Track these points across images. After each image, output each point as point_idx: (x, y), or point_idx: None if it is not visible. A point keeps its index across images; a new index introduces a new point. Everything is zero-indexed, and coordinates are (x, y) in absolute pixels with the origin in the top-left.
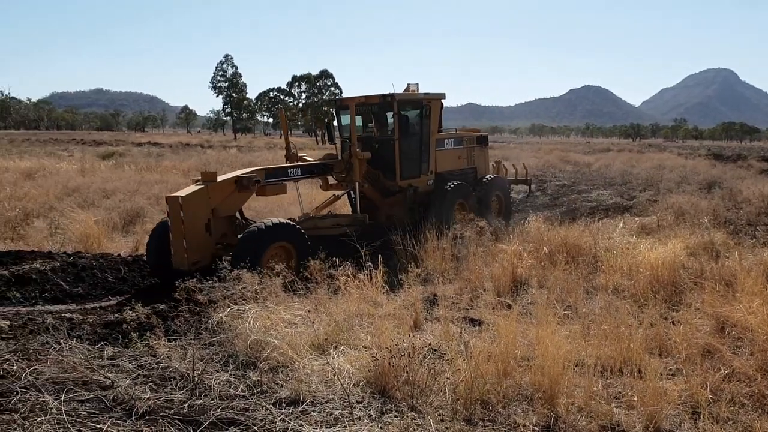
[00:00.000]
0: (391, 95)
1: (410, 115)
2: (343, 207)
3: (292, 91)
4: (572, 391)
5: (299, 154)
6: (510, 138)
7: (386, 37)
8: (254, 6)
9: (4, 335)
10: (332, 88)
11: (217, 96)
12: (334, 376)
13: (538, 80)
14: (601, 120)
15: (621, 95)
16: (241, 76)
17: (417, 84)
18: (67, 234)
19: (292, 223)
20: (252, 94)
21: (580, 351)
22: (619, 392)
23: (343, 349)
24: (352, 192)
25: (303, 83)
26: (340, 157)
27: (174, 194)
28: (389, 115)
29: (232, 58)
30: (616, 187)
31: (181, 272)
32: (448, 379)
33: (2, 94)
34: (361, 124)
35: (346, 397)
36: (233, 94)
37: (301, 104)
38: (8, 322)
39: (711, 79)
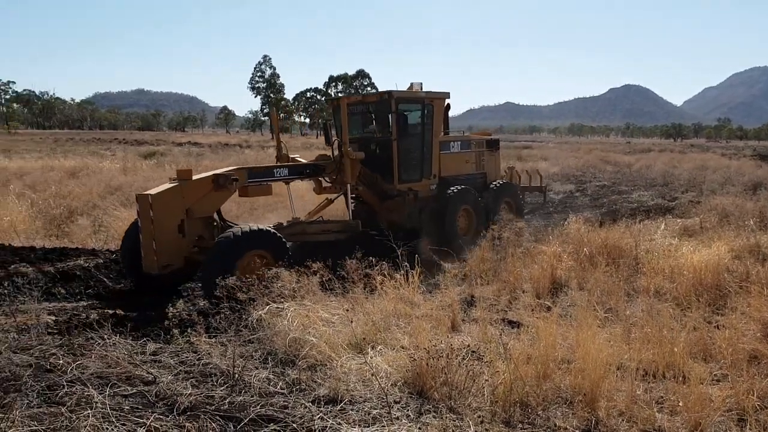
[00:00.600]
0: (388, 92)
1: (410, 115)
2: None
3: (329, 91)
4: (613, 395)
5: (291, 155)
6: (548, 137)
7: (421, 36)
8: (293, 5)
9: (50, 330)
10: (368, 88)
11: (255, 96)
12: (372, 375)
13: (577, 79)
14: (641, 120)
15: (662, 94)
16: (278, 76)
17: (420, 83)
18: (110, 232)
19: (270, 229)
20: (289, 94)
21: (621, 354)
22: (662, 397)
23: (380, 349)
24: (347, 195)
25: (339, 83)
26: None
27: (144, 192)
28: (390, 115)
29: (270, 59)
30: (658, 188)
31: (151, 275)
32: (486, 380)
33: (48, 95)
34: (361, 124)
35: (384, 397)
36: (271, 95)
37: None
38: (54, 318)
39: (756, 78)
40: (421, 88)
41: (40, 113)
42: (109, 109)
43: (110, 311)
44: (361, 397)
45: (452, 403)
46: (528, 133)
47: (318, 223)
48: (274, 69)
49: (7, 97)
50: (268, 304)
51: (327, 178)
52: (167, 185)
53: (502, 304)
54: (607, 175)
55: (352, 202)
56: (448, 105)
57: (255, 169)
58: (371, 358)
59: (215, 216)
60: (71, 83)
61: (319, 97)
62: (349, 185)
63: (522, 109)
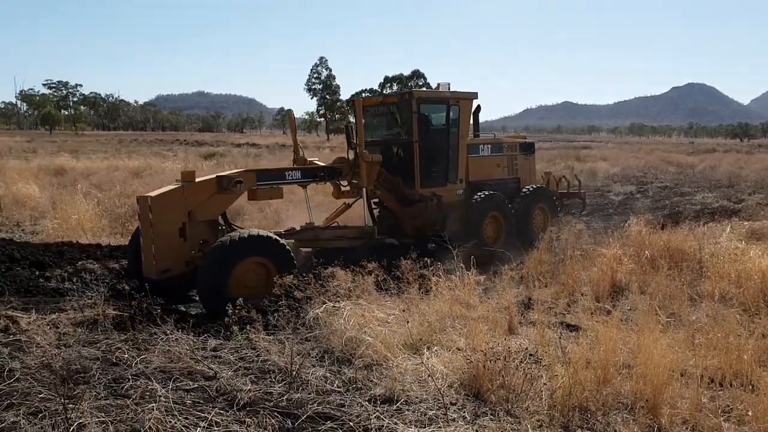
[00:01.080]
0: (409, 92)
1: (434, 116)
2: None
3: (384, 91)
4: (676, 402)
5: (310, 159)
6: (608, 137)
7: (479, 35)
8: (350, 5)
9: (116, 326)
10: (424, 89)
11: (311, 98)
12: (429, 376)
13: (638, 77)
14: (705, 119)
15: (728, 93)
16: (334, 77)
17: (448, 83)
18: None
19: (271, 235)
20: (345, 95)
21: (685, 360)
22: (728, 405)
23: (436, 350)
24: (370, 200)
25: (395, 84)
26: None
27: (145, 194)
28: (411, 115)
29: (326, 60)
30: (723, 189)
31: (151, 280)
32: (544, 384)
33: (113, 97)
34: (385, 126)
35: (440, 398)
36: (327, 96)
37: None
38: (119, 313)
39: None
40: (449, 89)
41: (106, 115)
42: (171, 111)
43: (173, 307)
44: (417, 397)
45: (509, 407)
46: (586, 133)
47: (332, 229)
48: (330, 70)
49: (75, 99)
50: (324, 303)
51: (341, 182)
52: (168, 187)
53: (560, 307)
54: (669, 176)
55: (375, 208)
56: (479, 107)
57: (265, 172)
58: (427, 359)
59: (220, 220)
60: (135, 86)
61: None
62: (365, 189)
63: (580, 109)
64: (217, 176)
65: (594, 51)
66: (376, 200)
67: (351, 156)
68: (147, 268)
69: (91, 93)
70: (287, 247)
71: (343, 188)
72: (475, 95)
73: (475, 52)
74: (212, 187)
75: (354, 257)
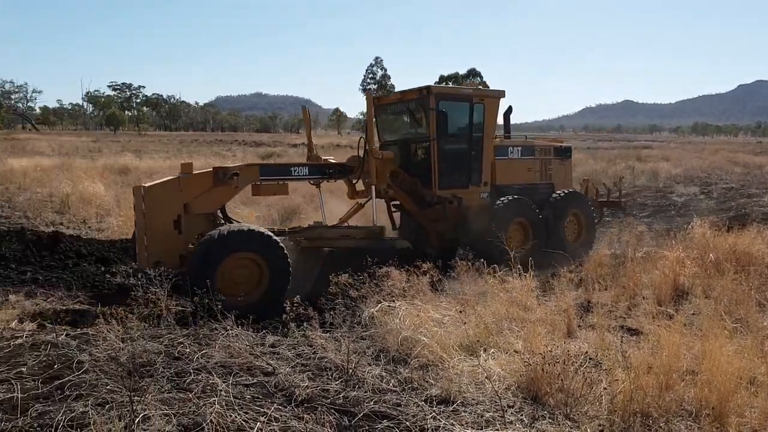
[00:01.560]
0: (427, 88)
1: (454, 114)
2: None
3: None
4: (744, 411)
5: (324, 158)
6: (670, 137)
7: (535, 33)
8: (406, 5)
9: (178, 321)
10: (480, 87)
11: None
12: (485, 378)
13: (702, 75)
14: None
15: None
16: (389, 77)
17: (481, 81)
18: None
19: (262, 230)
20: None
21: (753, 368)
22: None
23: (492, 352)
24: (389, 203)
25: (450, 82)
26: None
27: (141, 185)
28: (429, 112)
29: (381, 60)
30: None
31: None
32: (605, 389)
33: (174, 99)
34: (408, 125)
35: (498, 400)
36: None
37: None
38: (181, 308)
39: None
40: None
41: (167, 116)
42: (230, 112)
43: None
44: (473, 399)
45: (568, 411)
46: (647, 132)
47: (338, 228)
48: (385, 70)
49: (138, 100)
50: (379, 302)
51: (353, 180)
52: (165, 178)
53: (620, 310)
54: (735, 176)
55: (394, 211)
56: (510, 108)
57: (269, 166)
58: (484, 360)
59: (219, 214)
60: (196, 87)
61: None
62: (374, 187)
63: (641, 108)
64: (213, 168)
65: (656, 48)
66: (396, 203)
67: (359, 152)
68: (140, 259)
69: (153, 94)
70: (280, 244)
71: (358, 188)
72: (502, 93)
73: (533, 50)
74: (209, 180)
75: (360, 259)
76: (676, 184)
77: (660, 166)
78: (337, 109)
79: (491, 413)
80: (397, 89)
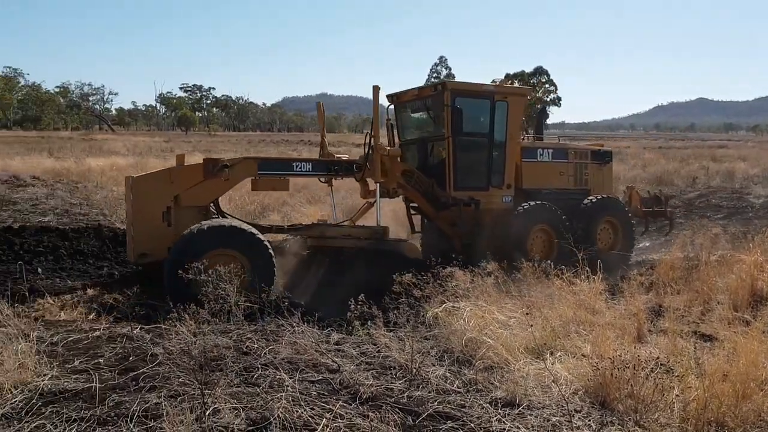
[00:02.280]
0: (442, 83)
1: (472, 111)
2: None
3: None
4: None
5: (338, 155)
6: (747, 136)
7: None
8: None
9: (246, 316)
10: (546, 85)
11: None
12: (552, 381)
13: None
14: None
15: None
16: (454, 77)
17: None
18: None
19: (244, 227)
20: None
21: None
22: None
23: (559, 356)
24: (408, 204)
25: (516, 81)
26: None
27: (131, 175)
28: (444, 109)
29: (446, 59)
30: None
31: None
32: (677, 396)
33: (242, 100)
34: (431, 124)
35: (564, 405)
36: None
37: None
38: (249, 305)
39: None
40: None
41: (236, 116)
42: (296, 113)
43: (298, 301)
44: (539, 403)
45: (638, 417)
46: (722, 131)
47: (340, 227)
48: (450, 69)
49: (208, 102)
50: (443, 302)
51: (357, 178)
52: (157, 169)
53: (693, 315)
54: None
55: (413, 212)
56: (544, 108)
57: (268, 160)
58: (551, 364)
59: (212, 209)
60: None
61: None
62: (378, 186)
63: (716, 105)
64: (204, 160)
65: (732, 45)
66: (415, 205)
67: (365, 149)
68: (128, 251)
69: (222, 95)
70: (264, 242)
71: (371, 187)
72: (528, 91)
73: (601, 46)
74: (200, 172)
75: (359, 260)
76: (754, 185)
77: (736, 166)
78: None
79: (558, 417)
80: None
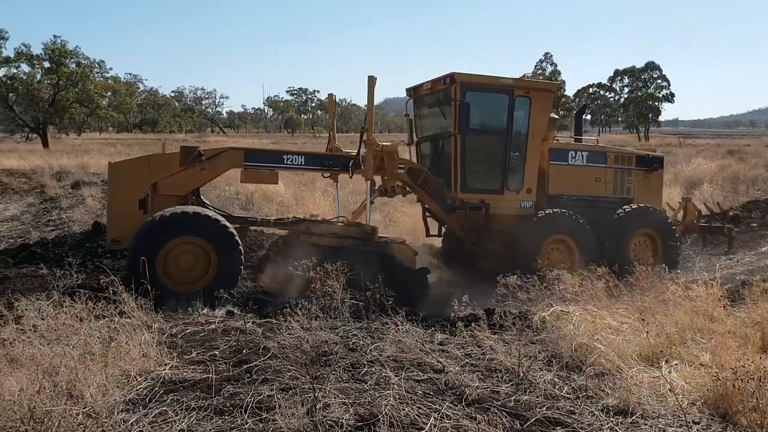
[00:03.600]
0: (450, 76)
1: (486, 107)
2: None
3: (613, 85)
4: None
5: (346, 150)
6: None
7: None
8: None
9: (352, 313)
10: (659, 81)
11: None
12: (668, 390)
13: None
14: None
15: None
16: (560, 73)
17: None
18: (399, 226)
19: (210, 215)
20: (570, 91)
21: None
22: None
23: (675, 364)
24: (424, 206)
25: (626, 77)
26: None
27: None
28: (452, 103)
29: (551, 56)
30: None
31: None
32: None
33: (345, 101)
34: (437, 119)
35: (682, 415)
36: None
37: (622, 99)
38: (355, 302)
39: None
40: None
41: (339, 118)
42: (397, 113)
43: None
44: (654, 412)
45: None
46: None
47: (326, 224)
48: (556, 65)
49: (313, 104)
50: (550, 306)
51: (350, 175)
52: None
53: None
54: None
55: (428, 215)
56: (584, 106)
57: (256, 151)
58: (666, 372)
59: (193, 198)
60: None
61: (602, 92)
62: (369, 183)
63: None
64: (180, 147)
65: None
66: (428, 208)
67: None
68: (107, 238)
69: (326, 98)
70: (230, 230)
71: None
72: (555, 86)
73: (721, 38)
74: (177, 161)
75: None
76: None
77: None
78: None
79: (674, 428)
80: (567, 85)
